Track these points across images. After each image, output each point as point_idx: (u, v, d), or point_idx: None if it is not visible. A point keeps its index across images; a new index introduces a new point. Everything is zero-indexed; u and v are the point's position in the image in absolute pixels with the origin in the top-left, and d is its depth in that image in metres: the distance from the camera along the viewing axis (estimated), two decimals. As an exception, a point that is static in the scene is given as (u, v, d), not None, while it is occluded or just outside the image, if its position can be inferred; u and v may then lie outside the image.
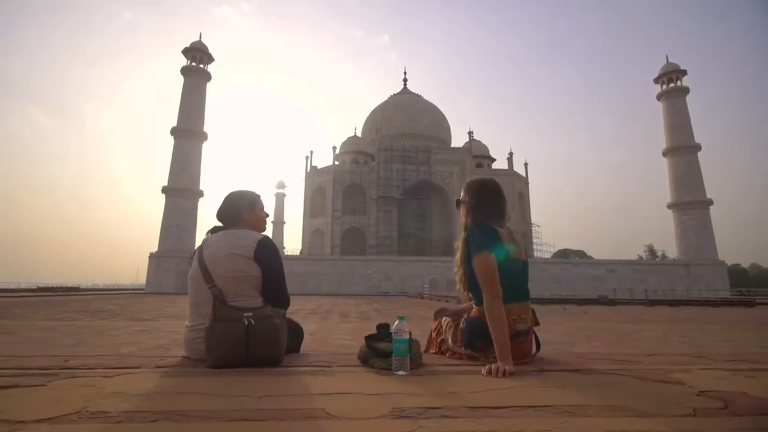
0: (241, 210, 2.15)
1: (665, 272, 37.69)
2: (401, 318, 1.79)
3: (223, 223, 2.17)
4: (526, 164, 50.04)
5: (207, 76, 37.51)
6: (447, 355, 2.16)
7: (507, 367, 1.68)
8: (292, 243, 74.62)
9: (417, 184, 44.37)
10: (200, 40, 37.21)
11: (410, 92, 56.61)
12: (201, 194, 36.04)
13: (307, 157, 47.69)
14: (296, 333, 2.33)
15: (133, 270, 33.01)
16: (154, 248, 33.48)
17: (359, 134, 52.86)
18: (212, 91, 38.61)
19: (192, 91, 36.08)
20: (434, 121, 52.75)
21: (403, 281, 35.71)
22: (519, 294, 1.96)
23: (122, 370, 1.83)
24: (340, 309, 12.57)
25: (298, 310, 12.14)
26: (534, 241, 47.14)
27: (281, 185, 69.15)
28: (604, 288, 32.16)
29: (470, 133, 48.59)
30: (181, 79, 36.58)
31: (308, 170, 47.41)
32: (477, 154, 48.40)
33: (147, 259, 33.01)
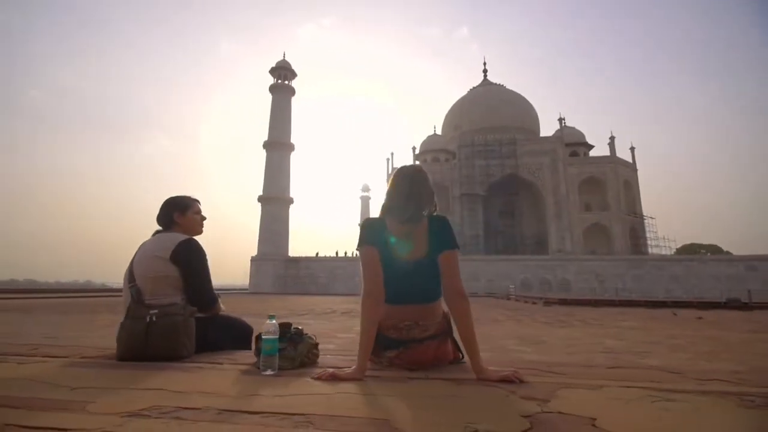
0: (173, 214, 2.30)
1: (835, 269, 29.76)
2: (271, 317, 1.74)
3: (160, 226, 2.32)
4: (632, 148, 44.14)
5: (291, 91, 40.58)
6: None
7: (340, 373, 1.56)
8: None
9: (502, 179, 41.97)
10: (284, 59, 40.54)
11: (491, 83, 54.02)
12: (291, 201, 38.91)
13: (388, 159, 48.40)
14: (239, 331, 2.37)
15: (243, 271, 37.03)
16: (255, 252, 36.97)
17: (439, 132, 52.00)
18: (296, 102, 41.42)
19: (279, 106, 39.30)
20: (519, 110, 49.49)
21: (491, 281, 33.99)
22: (411, 296, 1.74)
23: (51, 358, 2.02)
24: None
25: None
26: (648, 235, 41.15)
27: (366, 188, 71.63)
28: (744, 290, 26.55)
29: (561, 119, 44.59)
30: (267, 95, 40.10)
31: (389, 172, 47.99)
32: (570, 141, 44.09)
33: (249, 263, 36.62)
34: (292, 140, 39.86)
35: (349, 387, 1.47)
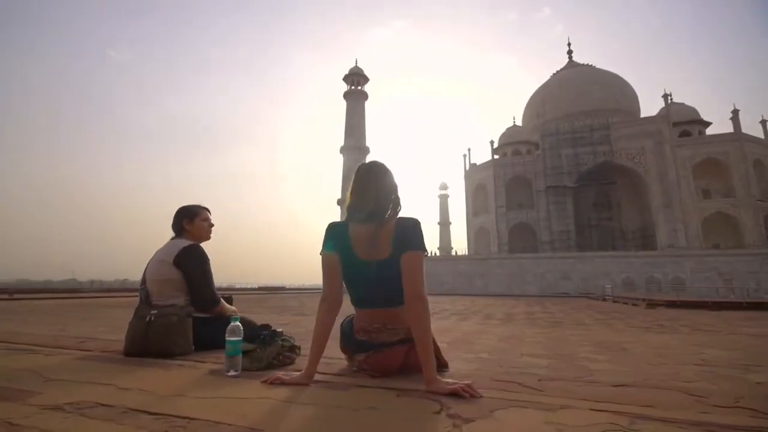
0: (182, 222, 2.50)
1: None
2: (235, 319, 1.80)
3: (174, 233, 2.52)
4: (764, 122, 36.63)
5: (365, 96, 41.63)
6: None
7: (285, 378, 1.59)
8: (461, 243, 74.37)
9: (595, 167, 37.94)
10: (356, 66, 41.81)
11: (577, 64, 49.30)
12: (369, 203, 39.77)
13: (464, 155, 47.00)
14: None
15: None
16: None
17: (519, 123, 48.95)
18: (369, 105, 42.36)
19: (353, 111, 40.57)
20: (612, 91, 44.33)
21: (586, 280, 30.87)
22: (378, 299, 1.71)
23: (77, 351, 2.37)
24: (491, 311, 11.53)
25: (443, 309, 11.74)
26: (791, 224, 33.68)
27: (444, 187, 70.22)
28: None
29: (667, 95, 38.83)
30: (342, 102, 41.56)
31: (467, 169, 46.53)
32: (680, 120, 38.21)
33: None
34: (367, 143, 40.90)
35: (280, 393, 1.46)
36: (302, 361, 2.06)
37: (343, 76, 41.80)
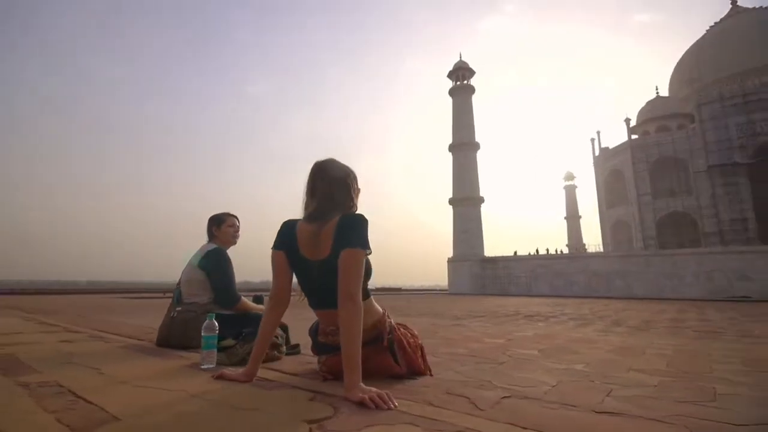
0: (212, 228, 2.76)
1: None
2: (210, 316, 1.88)
3: (208, 238, 2.80)
4: None
5: (471, 90, 39.96)
6: None
7: (228, 374, 1.65)
8: (595, 238, 65.38)
9: (781, 136, 29.30)
10: (461, 60, 40.42)
11: (745, 9, 39.10)
12: (482, 200, 37.98)
13: (592, 140, 41.39)
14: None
15: (443, 273, 38.33)
16: (451, 254, 37.80)
17: (663, 94, 40.96)
18: (480, 98, 40.49)
19: (460, 108, 39.30)
20: (805, 32, 33.71)
21: (775, 282, 23.96)
22: (326, 300, 1.65)
23: (130, 340, 2.78)
24: (624, 316, 9.67)
25: (563, 314, 10.32)
26: None
27: (569, 177, 62.77)
28: None
29: None
30: (449, 99, 40.57)
31: (596, 154, 40.84)
32: None
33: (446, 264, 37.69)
34: (477, 138, 39.14)
35: (205, 387, 1.51)
36: (292, 361, 2.05)
37: (447, 73, 40.93)
